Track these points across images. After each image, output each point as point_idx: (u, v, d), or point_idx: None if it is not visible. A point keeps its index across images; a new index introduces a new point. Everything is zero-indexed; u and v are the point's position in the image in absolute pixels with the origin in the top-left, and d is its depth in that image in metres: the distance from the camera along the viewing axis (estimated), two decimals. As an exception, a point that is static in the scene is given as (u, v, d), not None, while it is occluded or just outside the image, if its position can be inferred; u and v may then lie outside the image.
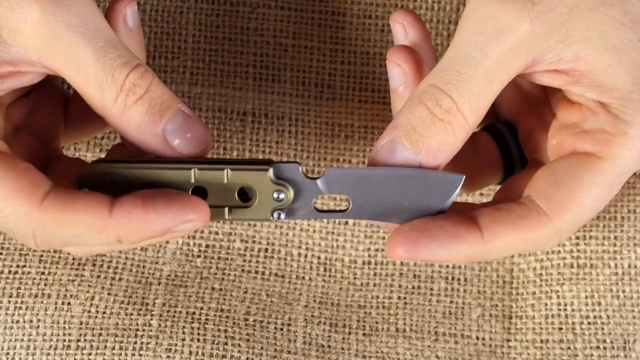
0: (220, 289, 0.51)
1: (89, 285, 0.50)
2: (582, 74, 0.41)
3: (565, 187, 0.42)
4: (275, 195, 0.41)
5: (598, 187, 0.41)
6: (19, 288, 0.49)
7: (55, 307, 0.49)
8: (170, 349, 0.48)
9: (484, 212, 0.42)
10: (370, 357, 0.49)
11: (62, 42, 0.39)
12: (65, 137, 0.48)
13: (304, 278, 0.52)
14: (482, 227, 0.41)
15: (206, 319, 0.49)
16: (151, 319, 0.49)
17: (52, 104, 0.46)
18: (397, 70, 0.44)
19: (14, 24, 0.39)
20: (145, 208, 0.39)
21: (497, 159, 0.49)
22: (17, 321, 0.48)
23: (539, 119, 0.47)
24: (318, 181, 0.41)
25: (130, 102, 0.40)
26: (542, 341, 0.50)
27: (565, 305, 0.50)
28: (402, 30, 0.46)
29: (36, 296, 0.49)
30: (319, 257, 0.52)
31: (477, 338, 0.51)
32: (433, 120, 0.40)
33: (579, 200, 0.41)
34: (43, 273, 0.50)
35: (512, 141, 0.49)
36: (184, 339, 0.48)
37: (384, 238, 0.53)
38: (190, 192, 0.41)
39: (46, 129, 0.46)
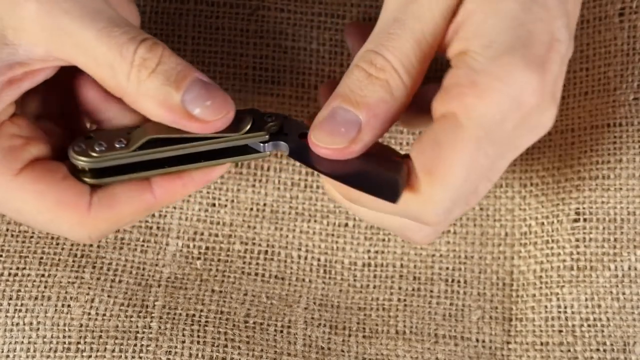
0: (220, 291, 0.51)
1: (89, 288, 0.50)
2: (461, 23, 0.40)
3: (431, 155, 0.40)
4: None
5: (462, 150, 0.39)
6: (18, 290, 0.49)
7: (55, 310, 0.49)
8: (170, 351, 0.48)
9: None
10: (370, 359, 0.49)
11: (64, 29, 0.39)
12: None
13: (303, 280, 0.52)
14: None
15: (206, 321, 0.49)
16: (151, 322, 0.49)
17: (63, 85, 0.46)
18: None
19: (15, 23, 0.39)
20: (182, 179, 0.43)
21: None
22: (17, 324, 0.48)
23: None
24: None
25: (143, 77, 0.39)
26: (542, 344, 0.50)
27: (565, 307, 0.50)
28: None
29: (36, 298, 0.49)
30: (318, 259, 0.52)
31: (477, 340, 0.51)
32: (370, 79, 0.40)
33: (446, 174, 0.40)
34: (43, 275, 0.50)
35: None
36: (183, 342, 0.48)
37: (384, 240, 0.53)
38: None
39: (64, 111, 0.46)
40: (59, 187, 0.42)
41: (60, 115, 0.46)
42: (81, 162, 0.42)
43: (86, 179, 0.43)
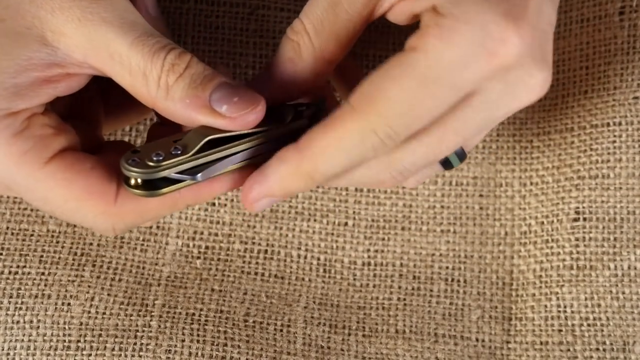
0: (220, 290, 0.51)
1: (89, 286, 0.50)
2: None
3: (376, 81, 0.40)
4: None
5: (406, 79, 0.39)
6: (19, 289, 0.49)
7: (55, 308, 0.49)
8: (169, 350, 0.48)
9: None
10: (369, 358, 0.49)
11: (103, 37, 0.41)
12: (104, 126, 0.49)
13: (303, 279, 0.52)
14: (299, 141, 0.41)
15: (206, 320, 0.49)
16: (151, 320, 0.49)
17: (90, 92, 0.47)
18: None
19: (56, 26, 0.41)
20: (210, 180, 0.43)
21: None
22: (17, 322, 0.48)
23: None
24: None
25: (171, 81, 0.41)
26: (541, 343, 0.50)
27: (565, 307, 0.50)
28: None
29: (36, 297, 0.49)
30: (318, 259, 0.52)
31: (477, 340, 0.50)
32: (286, 41, 0.43)
33: (384, 91, 0.39)
34: (43, 274, 0.50)
35: None
36: (183, 340, 0.48)
37: (383, 239, 0.53)
38: None
39: (89, 117, 0.47)
40: (87, 176, 0.43)
41: (86, 120, 0.47)
42: (135, 173, 0.41)
43: (138, 191, 0.42)
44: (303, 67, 0.43)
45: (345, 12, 0.42)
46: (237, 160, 0.43)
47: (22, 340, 0.48)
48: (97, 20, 0.41)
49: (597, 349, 0.49)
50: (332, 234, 0.53)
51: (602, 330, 0.49)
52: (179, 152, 0.41)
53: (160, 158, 0.41)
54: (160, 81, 0.41)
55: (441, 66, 0.39)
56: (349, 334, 0.50)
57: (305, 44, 0.42)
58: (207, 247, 0.52)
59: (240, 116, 0.41)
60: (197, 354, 0.48)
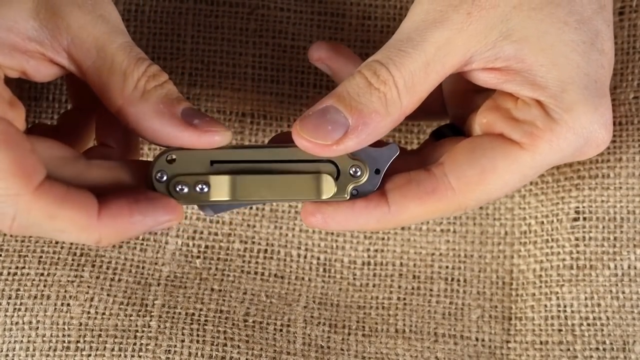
0: (220, 290, 0.51)
1: (88, 287, 0.50)
2: (516, 72, 0.42)
3: (479, 166, 0.43)
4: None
5: (511, 175, 0.43)
6: (18, 289, 0.49)
7: (55, 309, 0.49)
8: (169, 350, 0.48)
9: (395, 184, 0.44)
10: (369, 358, 0.49)
11: (95, 29, 0.41)
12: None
13: (303, 279, 0.52)
14: (390, 202, 0.43)
15: (205, 320, 0.49)
16: (150, 320, 0.49)
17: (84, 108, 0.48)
18: (323, 67, 0.49)
19: (55, 6, 0.41)
20: (131, 211, 0.41)
21: None
22: (17, 323, 0.48)
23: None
24: None
25: (149, 87, 0.42)
26: (541, 343, 0.50)
27: (565, 306, 0.50)
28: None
29: (35, 297, 0.49)
30: (318, 258, 0.52)
31: (477, 339, 0.51)
32: (369, 87, 0.42)
33: (488, 183, 0.43)
34: (42, 274, 0.50)
35: None
36: (183, 340, 0.48)
37: (383, 239, 0.53)
38: None
39: (78, 133, 0.48)
40: (23, 153, 0.40)
41: (70, 135, 0.47)
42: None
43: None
44: (387, 123, 0.42)
45: (437, 72, 0.42)
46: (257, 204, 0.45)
47: (22, 341, 0.48)
48: (97, 13, 0.41)
49: (597, 349, 0.49)
50: (332, 233, 0.53)
51: (602, 330, 0.49)
52: (205, 190, 0.43)
53: (185, 192, 0.43)
54: (138, 83, 0.42)
55: (542, 165, 0.43)
56: (349, 334, 0.50)
57: (393, 99, 0.42)
58: (206, 247, 0.52)
59: (209, 131, 0.42)
60: (196, 354, 0.48)
